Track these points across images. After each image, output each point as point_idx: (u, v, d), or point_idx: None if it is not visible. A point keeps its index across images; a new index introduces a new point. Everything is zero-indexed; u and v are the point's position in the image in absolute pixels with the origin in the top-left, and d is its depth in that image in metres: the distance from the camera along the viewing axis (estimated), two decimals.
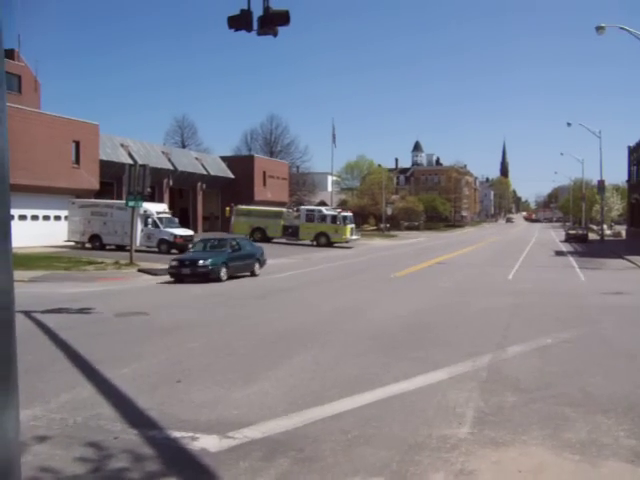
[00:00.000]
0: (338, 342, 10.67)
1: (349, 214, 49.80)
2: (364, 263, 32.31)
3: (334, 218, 46.93)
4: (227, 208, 50.05)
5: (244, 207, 50.10)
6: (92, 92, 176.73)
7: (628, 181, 69.25)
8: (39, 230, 35.73)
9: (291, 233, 47.19)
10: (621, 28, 29.76)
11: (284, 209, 50.96)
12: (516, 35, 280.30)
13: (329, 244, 45.77)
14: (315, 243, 46.32)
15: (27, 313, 13.23)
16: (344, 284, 21.45)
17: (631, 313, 14.53)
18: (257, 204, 60.86)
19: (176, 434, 5.92)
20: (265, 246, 29.84)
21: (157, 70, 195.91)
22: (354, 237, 48.74)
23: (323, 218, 47.18)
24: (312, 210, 49.46)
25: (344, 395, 7.24)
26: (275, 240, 46.48)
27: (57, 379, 7.96)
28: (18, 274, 20.75)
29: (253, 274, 23.61)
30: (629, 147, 64.74)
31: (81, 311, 14.04)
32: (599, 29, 29.26)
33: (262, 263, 24.88)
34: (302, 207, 51.17)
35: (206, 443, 5.70)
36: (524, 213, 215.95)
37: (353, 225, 48.89)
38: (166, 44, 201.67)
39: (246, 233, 45.15)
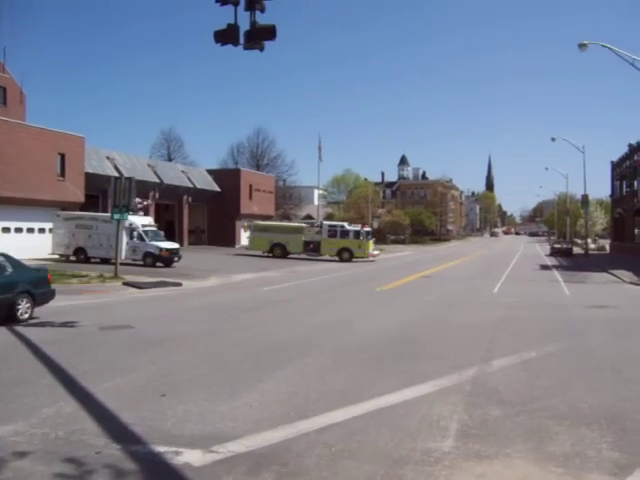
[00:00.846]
0: (323, 355, 10.65)
1: (369, 229, 51.04)
2: (350, 276, 32.32)
3: (357, 233, 47.25)
4: (245, 225, 50.72)
5: (262, 223, 51.05)
6: (78, 106, 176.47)
7: (611, 196, 70.03)
8: (23, 243, 35.35)
9: (312, 249, 47.37)
10: (603, 46, 30.19)
11: (304, 224, 51.28)
12: (502, 49, 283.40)
13: (350, 259, 46.18)
14: (338, 258, 46.46)
15: (9, 327, 13.10)
16: (330, 297, 21.45)
17: (615, 326, 14.66)
18: (243, 217, 60.85)
19: (159, 449, 5.87)
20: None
21: (143, 83, 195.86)
22: (376, 252, 49.61)
23: (346, 233, 47.45)
24: (334, 225, 49.76)
25: (329, 408, 7.23)
26: (295, 256, 47.07)
27: (40, 394, 7.87)
28: None
29: (13, 318, 13.78)
30: (612, 162, 65.54)
31: (65, 325, 13.91)
32: (582, 46, 29.67)
33: (39, 298, 15.09)
34: (324, 222, 51.33)
35: (190, 457, 5.66)
36: (504, 228, 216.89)
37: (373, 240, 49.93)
38: (152, 57, 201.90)
39: (265, 249, 46.77)
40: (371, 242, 48.35)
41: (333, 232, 47.58)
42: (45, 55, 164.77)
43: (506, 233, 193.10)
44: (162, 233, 37.02)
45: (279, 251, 46.94)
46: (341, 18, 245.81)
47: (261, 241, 47.58)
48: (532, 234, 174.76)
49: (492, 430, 6.52)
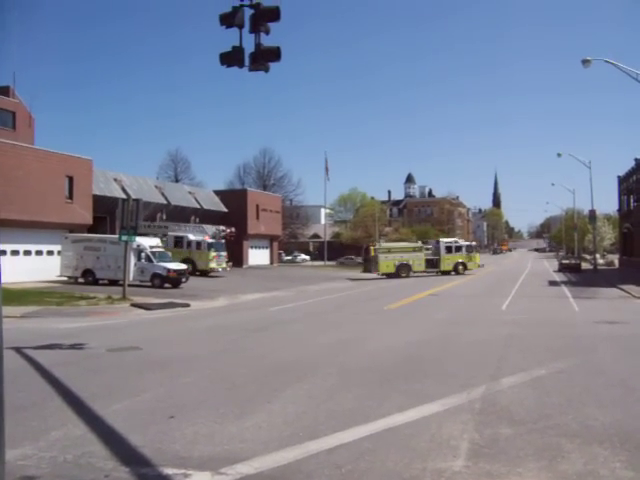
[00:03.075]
0: (332, 375, 10.60)
1: (475, 244, 59.11)
2: (359, 295, 32.25)
3: (469, 248, 53.96)
4: (371, 247, 53.97)
5: (386, 245, 55.37)
6: (85, 124, 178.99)
7: (619, 210, 69.85)
8: (31, 265, 35.62)
9: (432, 265, 51.83)
10: (606, 61, 30.31)
11: (420, 244, 55.83)
12: (507, 64, 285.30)
13: (464, 272, 52.01)
14: (454, 272, 51.65)
15: (18, 349, 13.11)
16: (340, 315, 21.40)
17: (625, 342, 14.52)
18: (250, 238, 60.99)
19: (168, 471, 5.84)
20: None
21: (150, 102, 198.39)
22: (481, 264, 56.18)
23: (459, 249, 53.18)
24: (450, 242, 54.86)
25: (338, 429, 7.18)
26: (417, 274, 50.65)
27: (48, 416, 7.86)
28: (10, 310, 20.68)
29: None
30: (619, 177, 65.45)
31: (73, 347, 13.93)
32: (585, 62, 29.78)
33: None
34: (441, 240, 55.99)
35: (198, 479, 5.63)
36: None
37: None
38: (159, 76, 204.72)
39: (392, 271, 50.01)
40: (478, 255, 55.59)
41: (450, 248, 52.86)
42: (53, 74, 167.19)
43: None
44: (169, 254, 37.17)
45: (405, 272, 50.22)
46: (345, 35, 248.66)
47: (388, 263, 50.31)
48: (536, 250, 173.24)
49: (503, 449, 6.45)
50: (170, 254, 37.39)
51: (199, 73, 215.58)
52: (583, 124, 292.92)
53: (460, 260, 52.37)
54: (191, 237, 45.68)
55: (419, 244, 55.27)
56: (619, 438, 6.75)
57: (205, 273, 44.39)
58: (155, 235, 45.94)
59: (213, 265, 44.86)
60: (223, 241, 47.73)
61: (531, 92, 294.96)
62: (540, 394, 9.03)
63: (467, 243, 56.05)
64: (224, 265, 46.26)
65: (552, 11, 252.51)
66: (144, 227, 46.74)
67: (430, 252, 52.60)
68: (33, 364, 11.71)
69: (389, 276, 49.55)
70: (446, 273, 51.27)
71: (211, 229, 47.90)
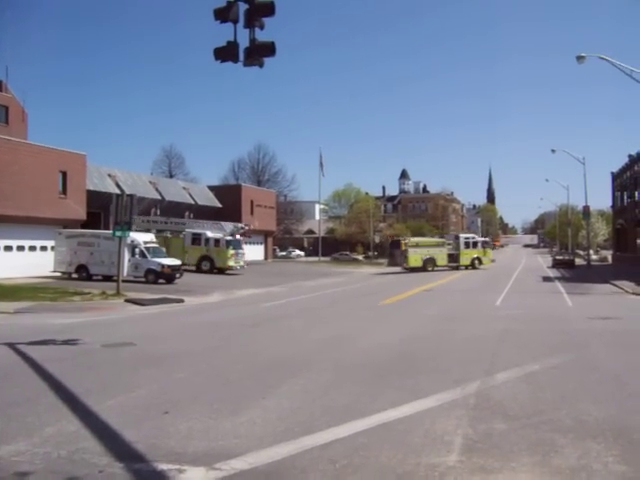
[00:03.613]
0: (327, 371, 10.61)
1: (489, 239, 63.31)
2: (354, 290, 32.28)
3: (484, 243, 57.37)
4: (403, 242, 55.31)
5: (414, 239, 57.06)
6: (79, 120, 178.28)
7: (612, 207, 70.14)
8: (25, 261, 35.49)
9: (453, 259, 54.23)
10: (600, 57, 30.35)
11: (444, 239, 58.06)
12: (501, 59, 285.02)
13: (479, 266, 54.69)
14: (470, 267, 54.31)
15: (12, 345, 13.07)
16: (334, 311, 21.41)
17: (619, 338, 14.58)
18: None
19: (162, 466, 5.83)
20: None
21: (144, 98, 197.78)
22: (493, 259, 60.31)
23: (475, 244, 56.04)
24: (468, 238, 57.85)
25: (332, 424, 7.19)
26: (439, 269, 52.54)
27: (42, 412, 7.83)
28: (3, 305, 20.63)
29: None
30: (612, 173, 65.65)
31: (67, 342, 13.88)
32: (579, 58, 29.87)
33: None
34: (461, 235, 58.87)
35: (193, 475, 5.62)
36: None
37: None
38: (153, 72, 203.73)
39: (420, 265, 51.78)
40: (491, 250, 58.82)
41: (468, 244, 55.48)
42: (46, 70, 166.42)
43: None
44: (164, 250, 37.11)
45: (431, 265, 52.37)
46: (339, 30, 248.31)
47: (416, 257, 52.32)
48: (527, 245, 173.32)
49: (497, 444, 6.47)
50: (164, 250, 37.31)
51: (194, 68, 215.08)
52: (577, 120, 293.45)
53: (476, 255, 55.12)
54: (209, 234, 44.79)
55: (442, 239, 57.45)
56: (612, 433, 6.78)
57: (222, 271, 43.74)
58: (172, 232, 45.81)
59: (231, 263, 43.92)
60: (241, 238, 46.84)
61: (525, 87, 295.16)
62: (534, 389, 9.06)
63: (482, 239, 59.37)
64: (242, 263, 45.22)
65: (545, 6, 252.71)
66: (161, 223, 46.97)
67: (451, 247, 54.59)
68: (27, 360, 11.66)
69: (414, 270, 50.92)
70: (477, 267, 54.39)
71: (229, 226, 46.92)
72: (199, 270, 43.37)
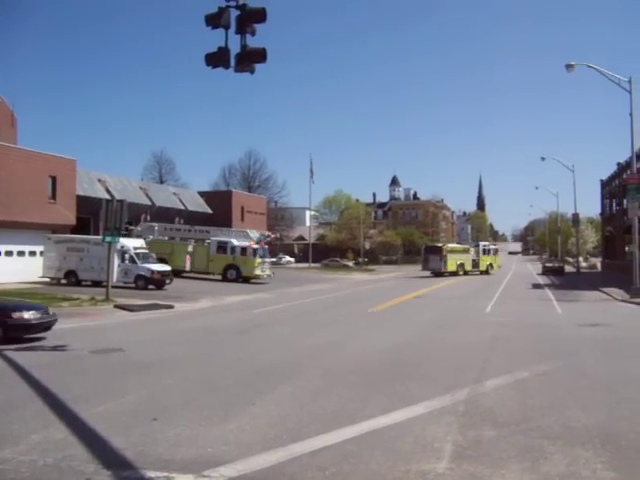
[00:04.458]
0: (316, 377, 10.58)
1: (497, 247, 67.50)
2: (344, 297, 32.26)
3: (495, 251, 62.53)
4: (444, 247, 58.73)
5: (450, 246, 61.05)
6: (68, 125, 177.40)
7: (601, 214, 70.56)
8: (13, 266, 35.18)
9: (474, 265, 58.39)
10: (588, 66, 30.60)
11: (468, 246, 62.95)
12: (492, 64, 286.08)
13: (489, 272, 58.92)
14: (483, 273, 57.99)
15: None
16: (324, 318, 21.38)
17: (608, 345, 14.65)
18: None
19: (151, 474, 5.78)
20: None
21: (134, 103, 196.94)
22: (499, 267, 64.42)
23: (488, 252, 60.93)
24: (485, 245, 64.05)
25: (322, 431, 7.16)
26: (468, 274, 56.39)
27: (29, 419, 7.76)
28: None
29: None
30: (601, 181, 66.06)
31: (55, 348, 13.78)
32: (569, 67, 30.10)
33: None
34: (480, 243, 64.77)
35: None
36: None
37: None
38: (143, 77, 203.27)
39: (455, 269, 55.73)
40: (498, 257, 64.03)
41: (486, 251, 60.75)
42: (36, 76, 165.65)
43: None
44: (154, 255, 36.93)
45: (462, 270, 56.41)
46: (330, 36, 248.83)
47: (452, 262, 55.93)
48: (510, 253, 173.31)
49: (486, 451, 6.46)
50: (154, 255, 37.13)
51: (184, 75, 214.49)
52: (567, 127, 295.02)
53: (489, 262, 59.99)
54: (235, 242, 43.50)
55: (467, 246, 62.70)
56: (601, 439, 6.79)
57: (248, 280, 42.47)
58: (197, 240, 45.26)
59: (258, 272, 42.61)
60: (267, 247, 45.78)
61: (515, 93, 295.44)
62: (523, 396, 9.08)
63: (493, 247, 64.65)
64: (268, 272, 44.09)
65: (536, 10, 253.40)
66: (184, 231, 46.50)
67: (474, 253, 59.22)
68: (14, 366, 11.56)
69: (446, 275, 54.19)
70: (488, 273, 58.51)
71: (255, 234, 45.61)
72: (225, 279, 42.40)
